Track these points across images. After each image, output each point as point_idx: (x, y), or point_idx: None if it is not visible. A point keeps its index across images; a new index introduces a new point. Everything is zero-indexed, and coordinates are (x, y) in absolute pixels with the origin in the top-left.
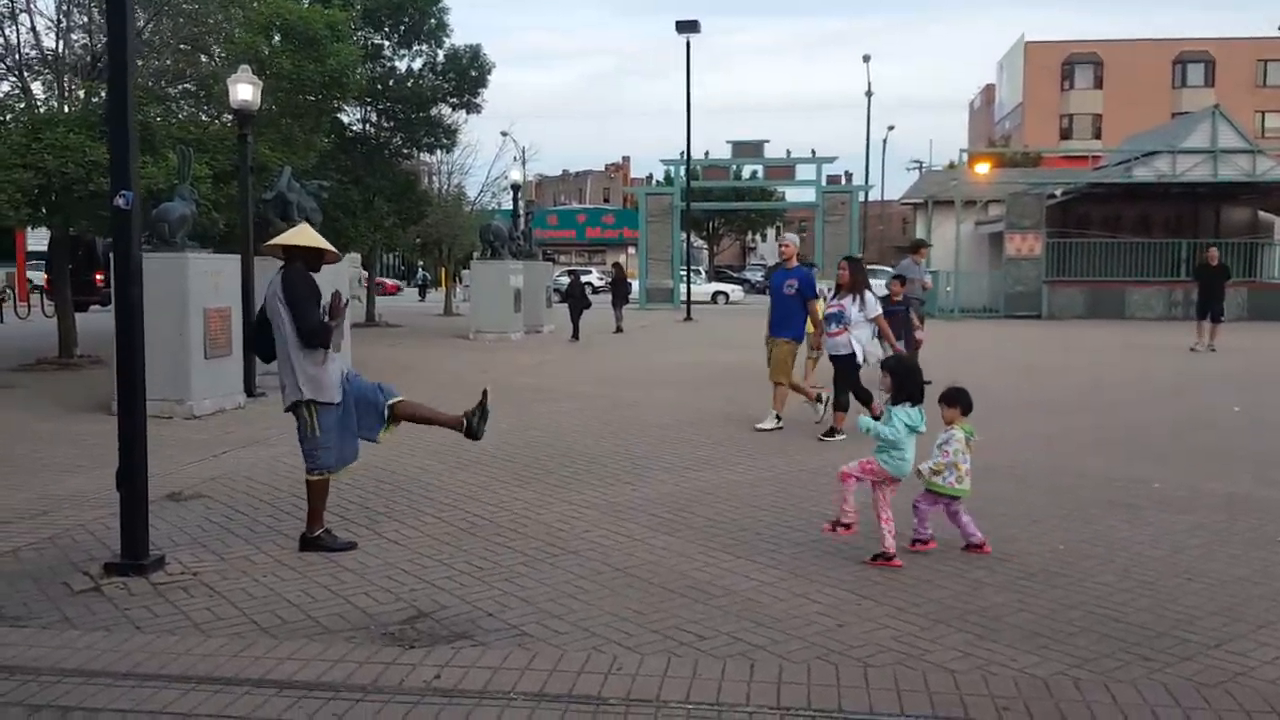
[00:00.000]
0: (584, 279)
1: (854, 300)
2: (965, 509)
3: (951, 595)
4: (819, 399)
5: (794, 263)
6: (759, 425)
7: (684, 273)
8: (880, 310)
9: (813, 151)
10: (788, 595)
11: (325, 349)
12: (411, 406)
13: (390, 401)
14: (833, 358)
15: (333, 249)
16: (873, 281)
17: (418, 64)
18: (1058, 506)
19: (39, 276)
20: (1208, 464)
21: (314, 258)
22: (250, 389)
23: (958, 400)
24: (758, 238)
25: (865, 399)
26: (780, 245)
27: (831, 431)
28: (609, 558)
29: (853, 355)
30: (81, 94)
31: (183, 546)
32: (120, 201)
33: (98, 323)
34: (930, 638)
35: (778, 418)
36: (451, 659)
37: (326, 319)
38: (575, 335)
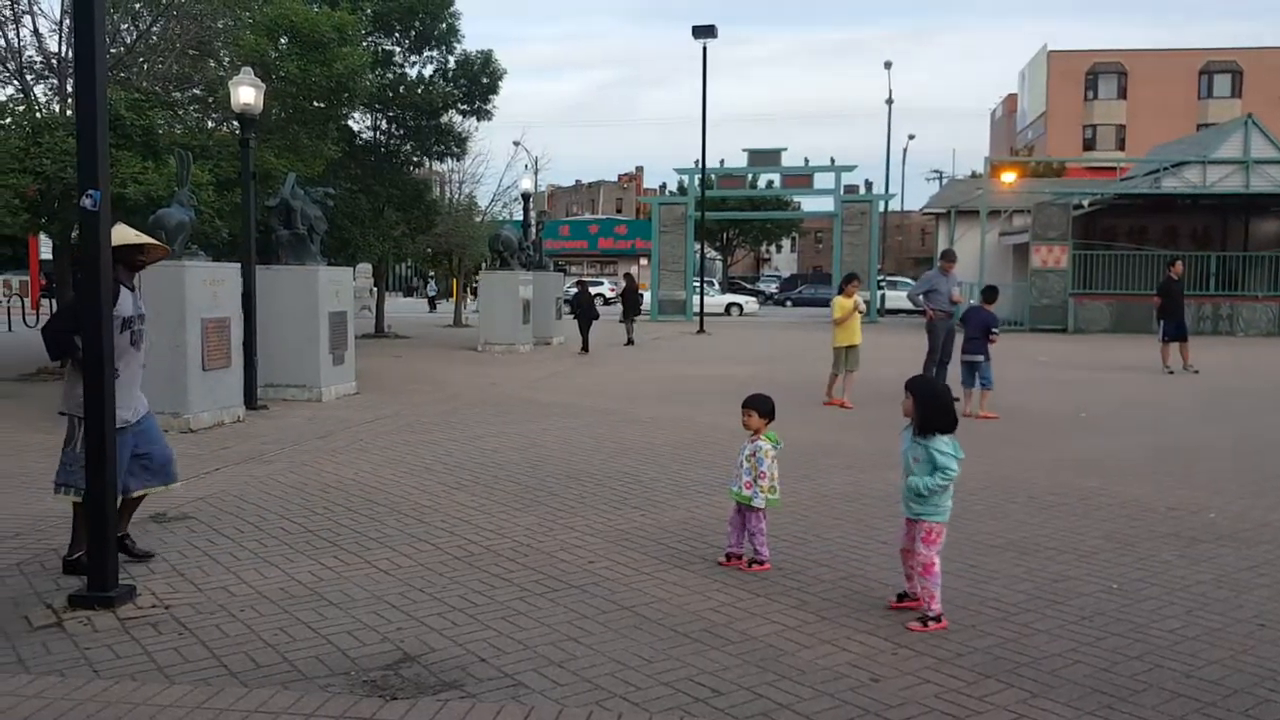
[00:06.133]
0: (594, 290)
1: None
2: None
3: (998, 643)
4: None
5: None
6: None
7: (697, 284)
8: None
9: (831, 160)
10: (813, 642)
11: (53, 359)
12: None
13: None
14: None
15: (148, 242)
16: (892, 293)
17: (428, 70)
18: (1106, 539)
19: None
20: (1264, 492)
21: (131, 253)
22: (251, 401)
23: (761, 407)
24: (773, 249)
25: None
26: None
27: None
28: (615, 594)
29: None
30: None
31: (159, 575)
32: (87, 202)
33: None
34: (978, 695)
35: None
36: (436, 714)
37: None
38: (585, 348)
